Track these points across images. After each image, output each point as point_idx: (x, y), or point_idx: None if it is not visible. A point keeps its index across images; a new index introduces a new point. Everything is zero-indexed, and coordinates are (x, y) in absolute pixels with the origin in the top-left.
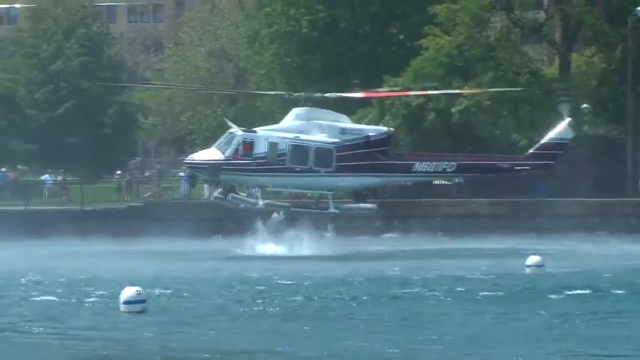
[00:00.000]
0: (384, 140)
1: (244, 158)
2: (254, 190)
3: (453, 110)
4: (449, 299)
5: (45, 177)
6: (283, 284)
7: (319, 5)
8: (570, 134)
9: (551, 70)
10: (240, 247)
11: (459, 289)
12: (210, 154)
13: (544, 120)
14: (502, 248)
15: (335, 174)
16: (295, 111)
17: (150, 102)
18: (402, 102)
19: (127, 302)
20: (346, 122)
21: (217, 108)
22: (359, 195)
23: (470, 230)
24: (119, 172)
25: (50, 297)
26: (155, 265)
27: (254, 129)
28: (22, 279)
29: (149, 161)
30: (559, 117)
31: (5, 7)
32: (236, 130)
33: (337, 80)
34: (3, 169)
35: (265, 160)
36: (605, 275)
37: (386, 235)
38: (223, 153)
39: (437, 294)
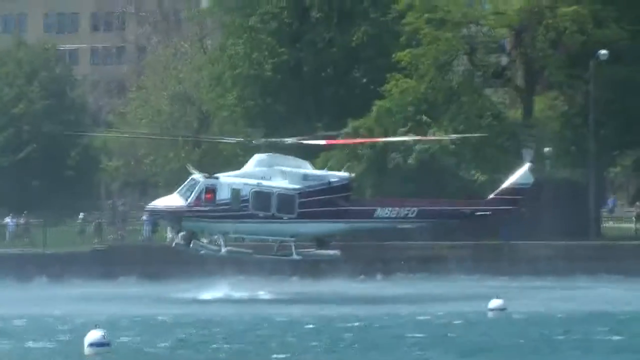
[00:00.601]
0: (345, 186)
1: (207, 205)
2: (216, 237)
3: (415, 149)
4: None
5: (7, 220)
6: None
7: (282, 48)
8: (530, 179)
9: (514, 113)
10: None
11: (417, 334)
12: (173, 201)
13: (507, 163)
14: (465, 292)
15: (297, 220)
16: (256, 157)
17: (113, 145)
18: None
19: (92, 345)
20: (308, 168)
21: (180, 151)
22: (320, 241)
23: (434, 273)
24: (81, 214)
25: (13, 341)
26: (115, 309)
27: (216, 174)
28: None
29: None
30: (521, 162)
31: None
32: (198, 176)
33: (301, 123)
34: None
35: (228, 206)
36: (561, 321)
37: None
38: (185, 200)
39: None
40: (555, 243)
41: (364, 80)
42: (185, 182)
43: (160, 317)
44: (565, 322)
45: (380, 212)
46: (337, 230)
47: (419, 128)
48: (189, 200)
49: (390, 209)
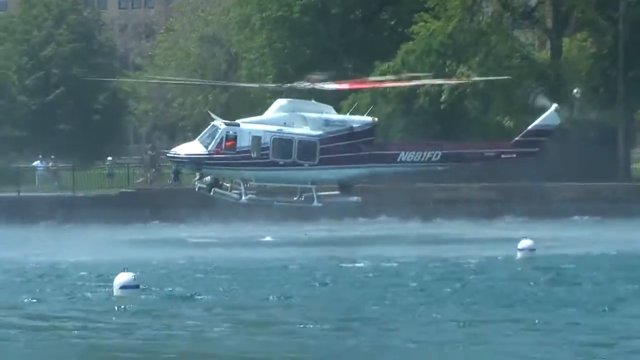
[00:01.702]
0: (368, 131)
1: (227, 152)
2: (237, 184)
3: (443, 90)
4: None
5: (37, 163)
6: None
7: None
8: (556, 120)
9: (542, 54)
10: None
11: (449, 276)
12: (193, 148)
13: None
14: (493, 233)
15: (319, 166)
16: (278, 102)
17: (141, 88)
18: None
19: (123, 287)
20: (330, 113)
21: (208, 94)
22: (343, 186)
23: (461, 214)
24: (109, 158)
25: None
26: (143, 252)
27: (237, 121)
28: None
29: (140, 147)
30: (540, 111)
31: None
32: (219, 123)
33: (329, 65)
34: None
35: (248, 154)
36: (595, 261)
37: (380, 218)
38: (206, 147)
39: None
40: (583, 184)
41: (392, 22)
42: (207, 129)
43: (181, 261)
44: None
45: (403, 155)
46: (360, 175)
47: (446, 71)
48: (210, 147)
49: (414, 152)
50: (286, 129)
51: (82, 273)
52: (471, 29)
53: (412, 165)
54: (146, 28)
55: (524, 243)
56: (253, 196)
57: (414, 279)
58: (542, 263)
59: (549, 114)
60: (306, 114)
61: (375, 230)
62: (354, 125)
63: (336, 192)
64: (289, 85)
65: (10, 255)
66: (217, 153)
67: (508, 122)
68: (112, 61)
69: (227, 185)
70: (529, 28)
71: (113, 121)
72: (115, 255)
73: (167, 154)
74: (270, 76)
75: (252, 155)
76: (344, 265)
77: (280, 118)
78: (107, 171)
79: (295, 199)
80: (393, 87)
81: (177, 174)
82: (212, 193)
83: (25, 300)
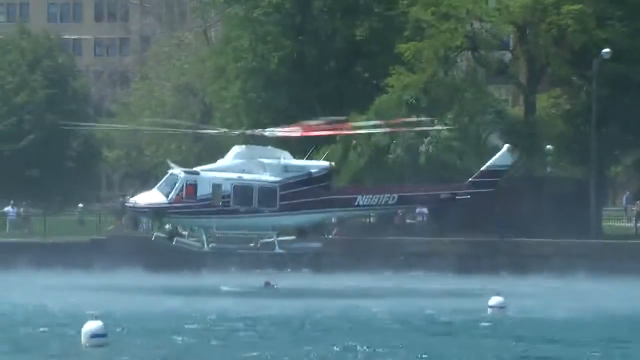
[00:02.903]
0: (326, 176)
1: (188, 200)
2: (199, 233)
3: (421, 148)
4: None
5: (8, 209)
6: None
7: (286, 41)
8: (509, 160)
9: (516, 110)
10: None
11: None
12: (153, 197)
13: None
14: (464, 288)
15: (279, 212)
16: (235, 149)
17: (114, 135)
18: (367, 139)
19: (89, 335)
20: (287, 158)
21: (182, 144)
22: (301, 231)
23: (433, 268)
24: (81, 205)
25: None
26: (109, 299)
27: (196, 168)
28: None
29: (112, 195)
30: (494, 150)
31: None
32: (178, 171)
33: (303, 116)
34: None
35: (209, 202)
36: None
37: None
38: (166, 196)
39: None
40: (556, 241)
41: (366, 74)
42: (165, 177)
43: (155, 309)
44: (562, 325)
45: (361, 199)
46: (319, 219)
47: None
48: (170, 196)
49: (370, 196)
50: (246, 176)
51: (51, 318)
52: (446, 83)
53: (369, 209)
54: (121, 76)
55: (495, 300)
56: (215, 244)
57: (381, 331)
58: (512, 322)
59: (502, 154)
60: (265, 160)
61: (347, 282)
62: (312, 171)
63: (293, 237)
64: (251, 131)
65: None
66: (178, 202)
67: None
68: (86, 108)
69: (185, 233)
70: (503, 84)
71: (86, 168)
72: (85, 302)
73: (126, 204)
74: (244, 127)
75: (214, 203)
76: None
77: (238, 165)
78: (78, 218)
79: (252, 245)
80: (366, 141)
81: (136, 223)
82: (174, 243)
83: None
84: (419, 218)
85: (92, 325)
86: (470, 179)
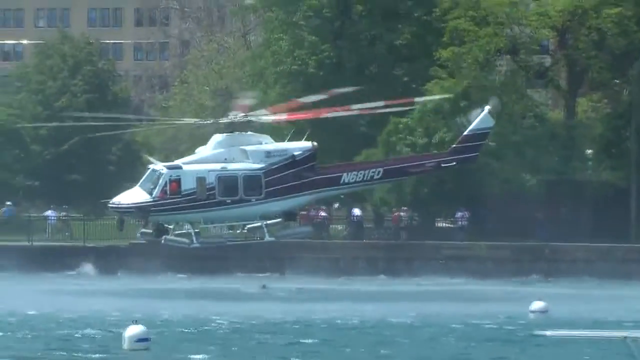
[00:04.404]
0: (309, 157)
1: (173, 196)
2: (186, 229)
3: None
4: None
5: (48, 213)
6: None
7: (324, 44)
8: (490, 122)
9: (556, 114)
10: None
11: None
12: (137, 196)
13: (549, 163)
14: (506, 291)
15: (266, 200)
16: (215, 138)
17: (155, 140)
18: (406, 141)
19: (131, 339)
20: (269, 143)
21: None
22: (289, 215)
23: (472, 273)
24: None
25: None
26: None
27: (177, 162)
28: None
29: None
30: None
31: (12, 43)
32: (160, 167)
33: (342, 120)
34: (8, 203)
35: (194, 195)
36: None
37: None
38: (150, 193)
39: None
40: (595, 245)
41: (406, 79)
42: (146, 174)
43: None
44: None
45: (346, 177)
46: (306, 202)
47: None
48: (154, 193)
49: (356, 172)
50: (229, 166)
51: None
52: (486, 87)
53: (355, 186)
54: (160, 80)
55: (537, 305)
56: (204, 239)
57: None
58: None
59: (483, 117)
60: (246, 147)
61: (388, 286)
62: (295, 153)
63: (279, 220)
64: (226, 119)
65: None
66: (163, 198)
67: (530, 181)
68: (126, 112)
69: (170, 228)
70: (543, 87)
71: (126, 172)
72: (126, 306)
73: (109, 204)
74: (285, 131)
75: (199, 196)
76: None
77: (220, 154)
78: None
79: (238, 232)
80: (405, 143)
81: (121, 223)
82: (162, 241)
83: None
84: (459, 222)
85: (135, 330)
86: (453, 145)
